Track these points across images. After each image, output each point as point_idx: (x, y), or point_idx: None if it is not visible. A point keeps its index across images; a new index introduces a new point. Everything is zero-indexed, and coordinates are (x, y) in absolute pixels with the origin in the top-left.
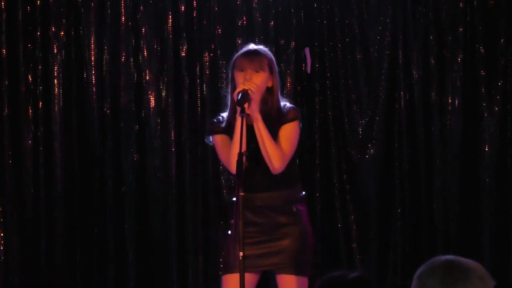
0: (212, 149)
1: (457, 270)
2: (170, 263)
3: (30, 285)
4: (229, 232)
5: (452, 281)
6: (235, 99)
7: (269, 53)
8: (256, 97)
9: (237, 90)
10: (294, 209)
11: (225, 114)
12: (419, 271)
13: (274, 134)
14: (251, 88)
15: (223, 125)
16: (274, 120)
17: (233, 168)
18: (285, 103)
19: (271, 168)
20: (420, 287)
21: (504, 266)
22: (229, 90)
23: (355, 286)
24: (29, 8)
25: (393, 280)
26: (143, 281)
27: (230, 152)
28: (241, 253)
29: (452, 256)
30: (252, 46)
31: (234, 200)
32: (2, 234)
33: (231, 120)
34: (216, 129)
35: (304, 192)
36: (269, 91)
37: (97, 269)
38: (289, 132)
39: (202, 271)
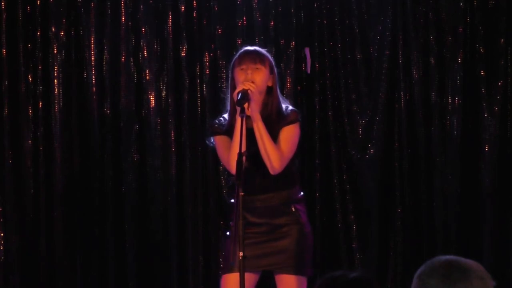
0: (212, 149)
1: (457, 270)
2: (170, 263)
3: (30, 285)
4: (228, 233)
5: (452, 281)
6: (235, 99)
7: (269, 55)
8: (256, 97)
9: (237, 90)
10: (293, 209)
11: (226, 115)
12: (419, 271)
13: (274, 135)
14: (251, 88)
15: (224, 126)
16: (275, 122)
17: (233, 169)
18: (286, 105)
19: (269, 168)
20: (420, 287)
21: (504, 266)
22: (229, 91)
23: (355, 286)
24: (29, 8)
25: (393, 280)
26: (143, 281)
27: (230, 152)
28: (241, 253)
29: (452, 256)
30: (250, 47)
31: (232, 202)
32: (2, 234)
33: (232, 121)
34: (217, 130)
35: (302, 193)
36: (269, 91)
37: (97, 269)
38: (289, 134)
39: (202, 271)
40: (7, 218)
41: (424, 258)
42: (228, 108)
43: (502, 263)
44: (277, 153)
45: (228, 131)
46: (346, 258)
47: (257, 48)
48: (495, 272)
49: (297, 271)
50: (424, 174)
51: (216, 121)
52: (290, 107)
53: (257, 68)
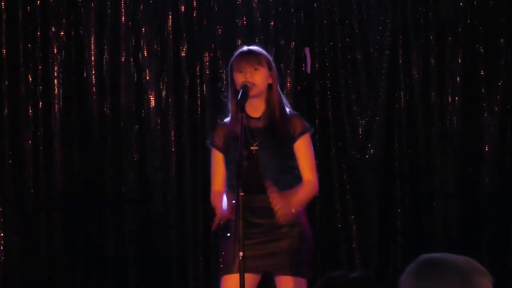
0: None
1: (432, 266)
2: (170, 263)
3: (30, 285)
4: (228, 234)
5: (424, 277)
6: (238, 97)
7: (264, 51)
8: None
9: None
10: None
11: (228, 120)
12: (407, 268)
13: (279, 135)
14: (251, 81)
15: (225, 142)
16: (278, 120)
17: (215, 185)
18: (289, 109)
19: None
20: (402, 282)
21: (504, 266)
22: (230, 95)
23: (355, 286)
24: (29, 8)
25: (393, 280)
26: (143, 281)
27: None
28: (241, 253)
29: (437, 254)
30: (245, 47)
31: (233, 203)
32: (2, 234)
33: (234, 126)
34: (217, 144)
35: None
36: (269, 88)
37: (97, 269)
38: (306, 146)
39: (202, 271)
40: (7, 218)
41: None
42: (229, 111)
43: (502, 263)
44: (311, 168)
45: (225, 148)
46: (346, 258)
47: (252, 48)
48: (495, 271)
49: (294, 272)
50: (424, 174)
51: (218, 126)
52: (293, 112)
53: (256, 69)
